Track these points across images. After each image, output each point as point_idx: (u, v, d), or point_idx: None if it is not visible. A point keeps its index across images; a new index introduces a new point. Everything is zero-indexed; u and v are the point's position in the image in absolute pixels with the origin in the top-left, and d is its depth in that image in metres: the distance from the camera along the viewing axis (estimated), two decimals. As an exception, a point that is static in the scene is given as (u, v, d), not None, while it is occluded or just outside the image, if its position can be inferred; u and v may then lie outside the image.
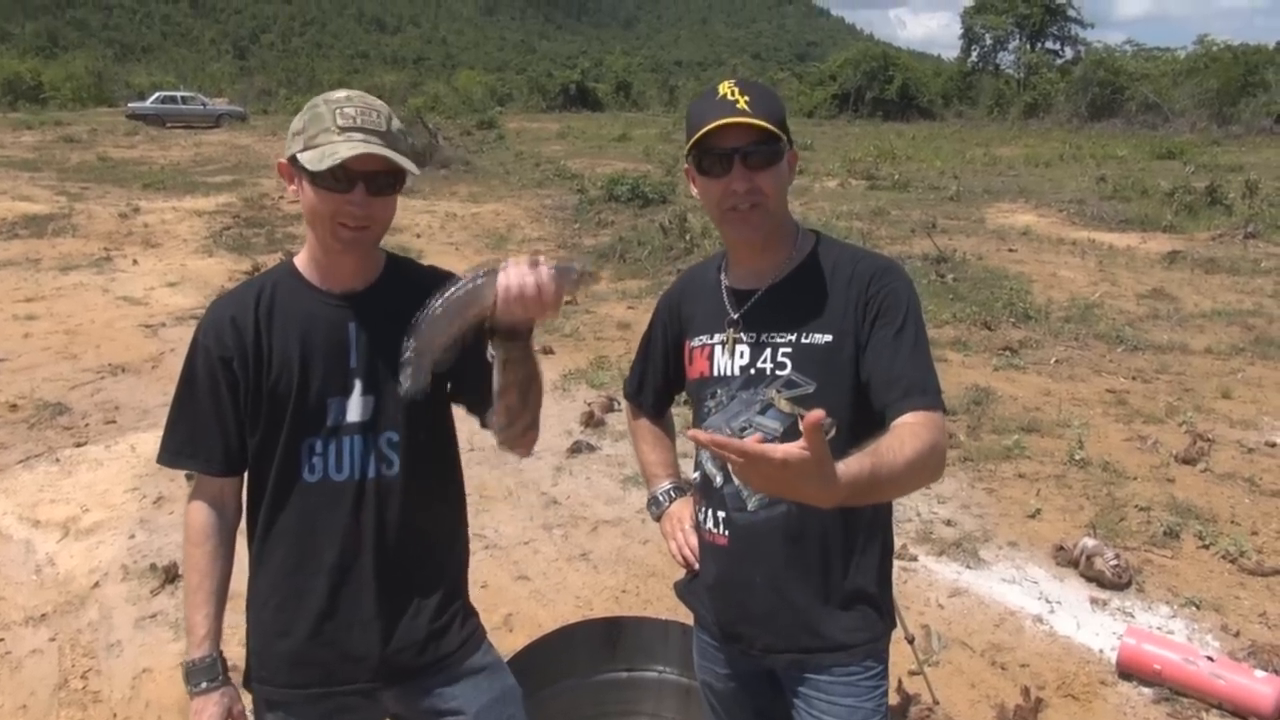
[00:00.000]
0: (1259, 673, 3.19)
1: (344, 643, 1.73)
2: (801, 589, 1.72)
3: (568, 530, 4.55)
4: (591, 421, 5.89)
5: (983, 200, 16.31)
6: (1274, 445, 5.47)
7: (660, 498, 2.06)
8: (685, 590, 1.96)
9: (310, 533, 1.71)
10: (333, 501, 1.70)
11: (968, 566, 4.16)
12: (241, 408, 1.69)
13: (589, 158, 24.11)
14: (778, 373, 1.68)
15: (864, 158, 23.12)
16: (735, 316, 1.75)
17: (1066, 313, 8.65)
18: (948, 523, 4.56)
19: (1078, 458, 5.26)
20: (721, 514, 1.76)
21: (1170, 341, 7.75)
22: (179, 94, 39.28)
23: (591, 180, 17.03)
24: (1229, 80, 37.66)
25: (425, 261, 1.92)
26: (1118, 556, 4.02)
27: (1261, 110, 35.65)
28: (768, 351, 1.69)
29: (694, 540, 1.91)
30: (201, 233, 12.97)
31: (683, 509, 1.99)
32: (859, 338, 1.64)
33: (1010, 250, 11.69)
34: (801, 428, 1.14)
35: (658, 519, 2.06)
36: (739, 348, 1.73)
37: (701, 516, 1.83)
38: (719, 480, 1.76)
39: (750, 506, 1.72)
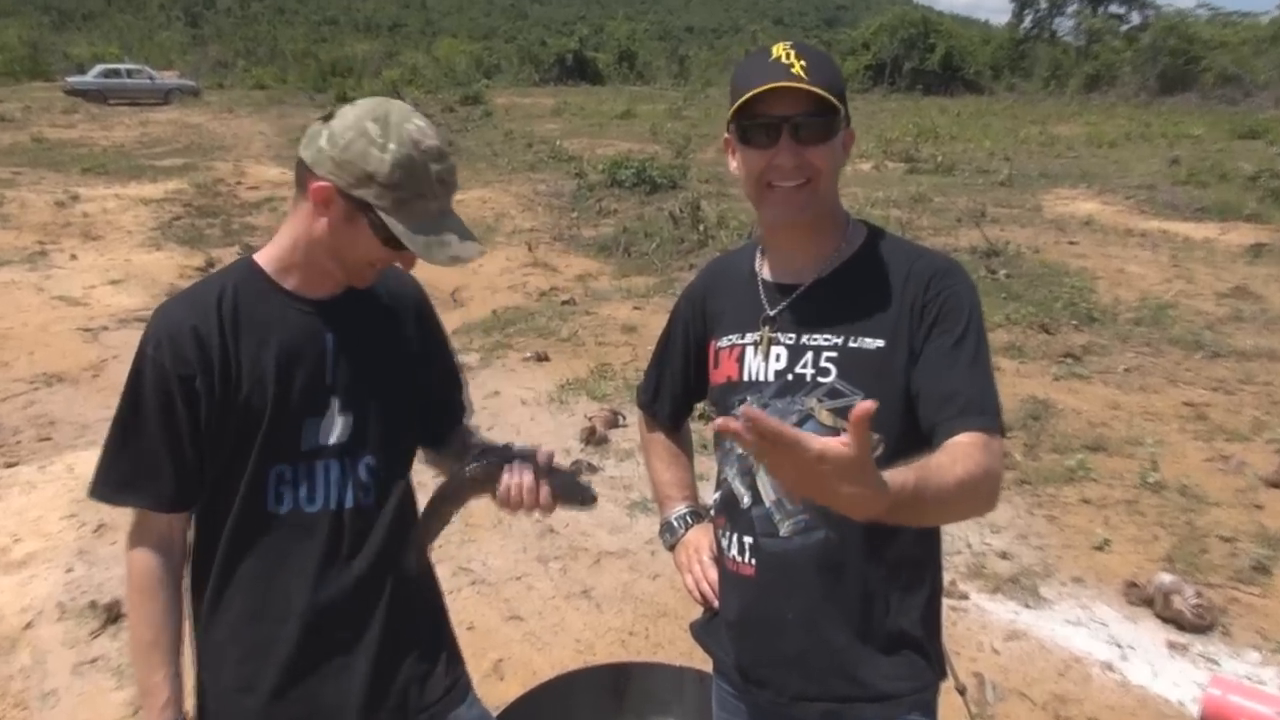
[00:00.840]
0: (1365, 729, 3.16)
1: (317, 697, 1.72)
2: (839, 628, 1.69)
3: (566, 563, 4.53)
4: (593, 438, 5.88)
5: (1039, 186, 16.30)
6: (1377, 466, 5.44)
7: (674, 523, 2.05)
8: (703, 631, 1.94)
9: (278, 573, 1.70)
10: (304, 537, 1.70)
11: (1026, 606, 4.13)
12: (202, 433, 1.66)
13: (588, 137, 24.16)
14: (819, 380, 1.66)
15: (902, 137, 23.16)
16: (772, 314, 1.73)
17: (1136, 314, 8.63)
18: (1003, 555, 4.53)
19: (1151, 480, 5.24)
20: (749, 540, 1.74)
21: (1256, 347, 7.72)
22: (123, 66, 39.44)
23: (591, 163, 17.07)
24: (1319, 49, 37.63)
25: None
26: (1199, 594, 3.99)
27: (1358, 83, 35.61)
28: (809, 355, 1.68)
29: (713, 573, 1.89)
30: (148, 223, 13.02)
31: (700, 537, 1.98)
32: (913, 345, 1.62)
33: (1071, 243, 11.68)
34: (848, 420, 1.13)
35: (671, 548, 2.05)
36: (775, 349, 1.71)
37: (724, 543, 1.81)
38: (746, 501, 1.74)
39: (783, 531, 1.70)
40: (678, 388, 2.02)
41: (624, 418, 6.20)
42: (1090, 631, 3.95)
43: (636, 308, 9.09)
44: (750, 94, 1.58)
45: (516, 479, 1.64)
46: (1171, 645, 3.85)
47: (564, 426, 6.16)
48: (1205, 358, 7.45)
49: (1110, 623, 4.01)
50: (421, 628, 1.86)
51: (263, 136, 24.74)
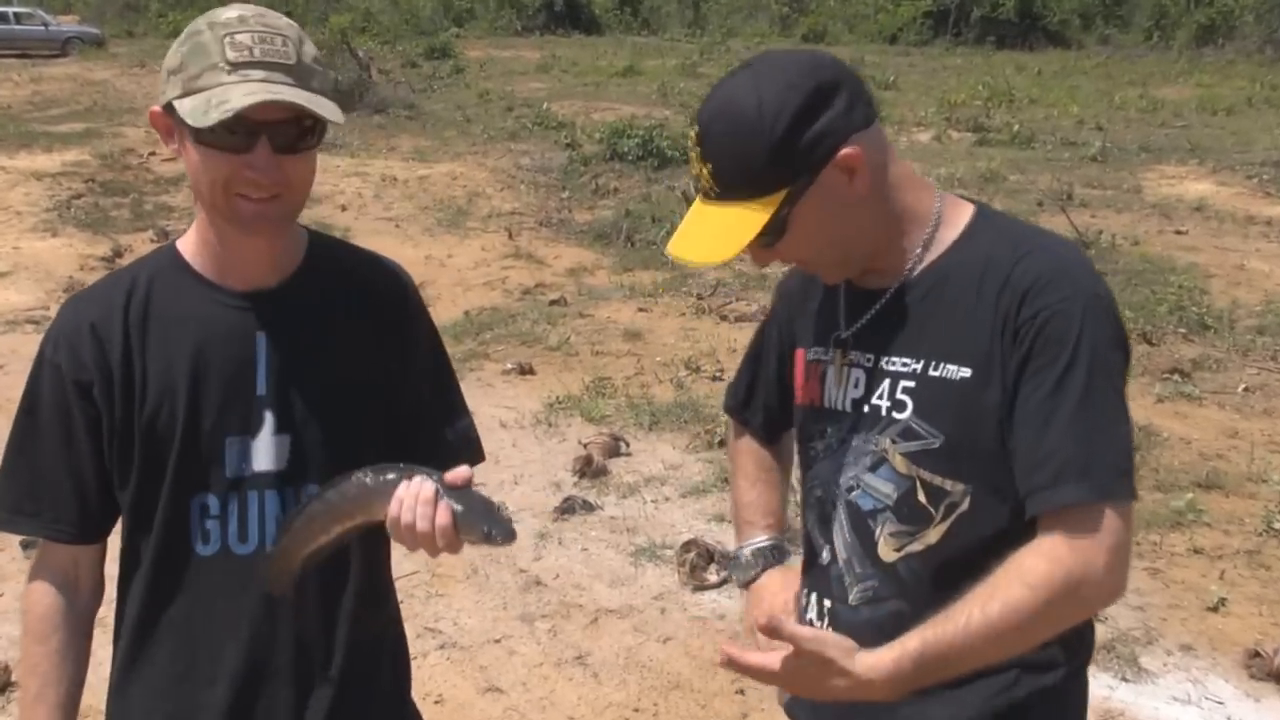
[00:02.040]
0: None
1: None
2: (938, 708, 1.64)
3: (556, 623, 4.56)
4: (589, 470, 5.90)
5: (1138, 162, 16.34)
6: None
7: (746, 558, 2.00)
8: (793, 705, 1.91)
9: (205, 627, 1.71)
10: (236, 583, 1.70)
11: (1124, 679, 4.16)
12: (105, 452, 1.68)
13: (582, 99, 24.20)
14: (894, 415, 1.63)
15: (969, 100, 23.19)
16: (845, 333, 1.72)
17: (1259, 320, 8.68)
18: (1097, 618, 4.54)
19: (1278, 526, 5.26)
20: (827, 602, 1.76)
21: (1407, 361, 7.75)
22: (11, 10, 39.56)
23: (586, 131, 17.17)
24: None
25: (352, 243, 1.93)
26: (1337, 666, 4.01)
27: None
28: (885, 384, 1.65)
29: (799, 632, 1.59)
30: (42, 203, 13.07)
31: (779, 584, 1.93)
32: (1005, 381, 1.55)
33: (1179, 232, 11.74)
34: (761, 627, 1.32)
35: (744, 586, 2.02)
36: (852, 372, 1.70)
37: (804, 600, 1.83)
38: (825, 556, 1.75)
39: (851, 599, 1.71)
40: (772, 398, 1.98)
41: (627, 444, 6.23)
42: (1203, 711, 3.97)
43: (642, 309, 9.14)
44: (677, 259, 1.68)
45: (414, 490, 1.56)
46: (1303, 729, 3.87)
47: (553, 454, 6.18)
48: (1344, 375, 7.48)
49: (1228, 701, 4.03)
50: (380, 696, 1.87)
51: (182, 96, 24.79)
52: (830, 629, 1.70)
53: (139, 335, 1.67)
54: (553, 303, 9.43)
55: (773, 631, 1.44)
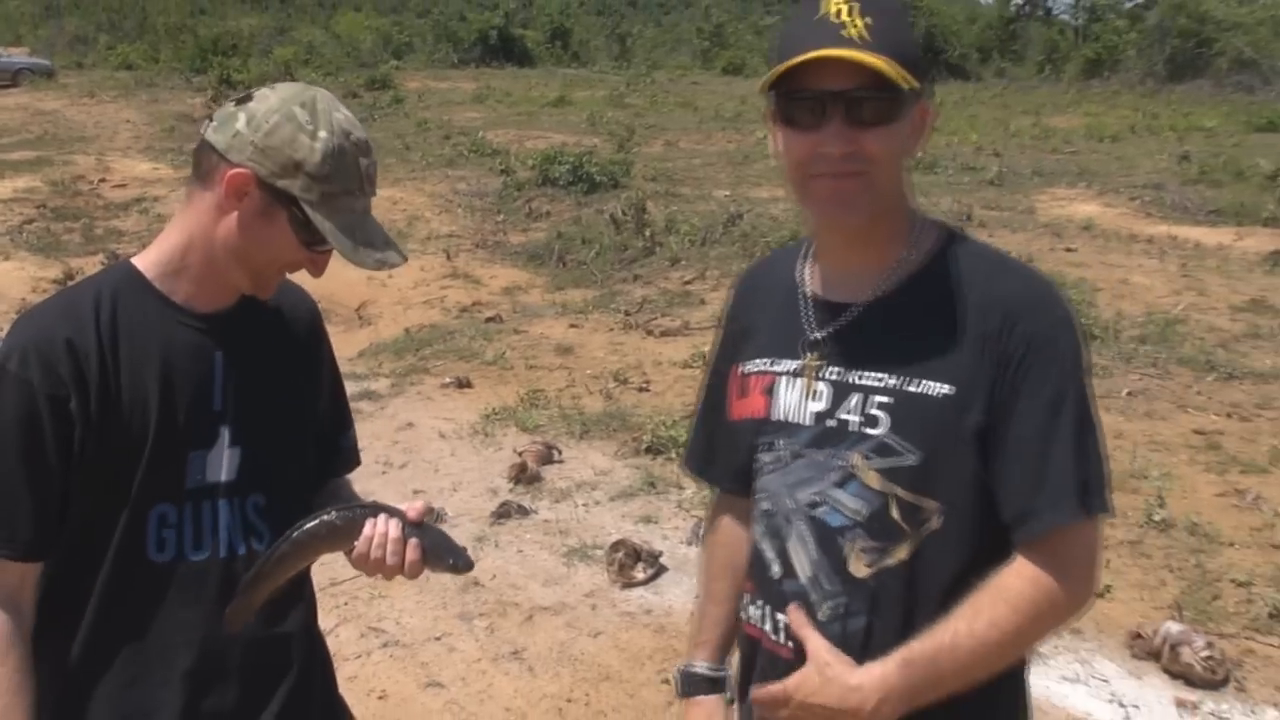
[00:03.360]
0: (1391, 792, 3.29)
1: None
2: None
3: (493, 621, 4.57)
4: (523, 476, 5.92)
5: (1032, 185, 16.63)
6: (1407, 500, 5.65)
7: (693, 675, 1.87)
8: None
9: (158, 631, 1.70)
10: (188, 589, 1.70)
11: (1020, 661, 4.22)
12: (73, 467, 1.63)
13: (516, 128, 24.16)
14: (866, 431, 1.54)
15: (878, 129, 23.45)
16: (819, 336, 1.63)
17: (1141, 331, 8.85)
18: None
19: (1158, 518, 5.38)
20: (782, 618, 1.64)
21: (1275, 368, 7.96)
22: (-39, 41, 38.79)
23: (519, 158, 17.13)
24: (1346, 31, 38.74)
25: None
26: (1210, 645, 4.12)
27: (1388, 70, 36.75)
28: (856, 398, 1.56)
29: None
30: (-7, 228, 12.82)
31: (711, 712, 1.83)
32: (990, 403, 1.51)
33: (1068, 250, 11.94)
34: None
35: (680, 695, 1.90)
36: (816, 385, 1.61)
37: (755, 612, 1.72)
38: (777, 570, 1.65)
39: (820, 616, 1.59)
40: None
41: (559, 452, 6.25)
42: (1090, 689, 4.06)
43: (573, 325, 9.15)
44: (787, 65, 1.45)
45: (381, 529, 1.62)
46: (1180, 703, 3.96)
47: (489, 463, 6.19)
48: (1218, 380, 7.66)
49: (1112, 679, 4.12)
50: (315, 693, 1.88)
51: (130, 125, 24.42)
52: (790, 645, 1.62)
53: (112, 350, 1.64)
54: (489, 320, 9.43)
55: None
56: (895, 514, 1.53)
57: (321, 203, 1.59)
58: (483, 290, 10.64)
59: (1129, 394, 7.33)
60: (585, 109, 28.25)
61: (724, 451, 1.82)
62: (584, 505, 5.69)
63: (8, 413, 1.61)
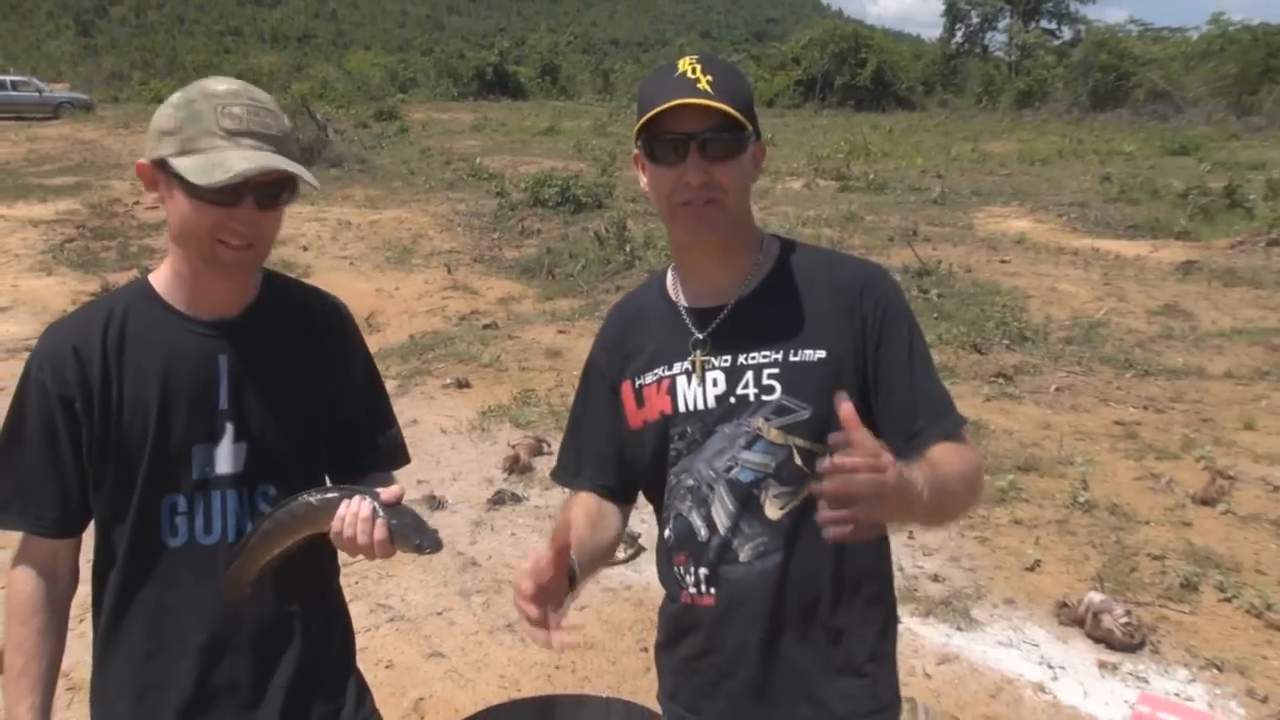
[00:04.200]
0: (1287, 741, 3.33)
1: None
2: (801, 651, 1.73)
3: (489, 597, 4.56)
4: (516, 467, 5.91)
5: (971, 203, 16.74)
6: (1302, 482, 5.70)
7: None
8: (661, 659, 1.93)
9: (174, 608, 1.71)
10: (201, 570, 1.70)
11: (958, 628, 4.26)
12: (85, 458, 1.67)
13: (510, 155, 24.18)
14: (764, 398, 1.69)
15: (833, 154, 23.58)
16: (702, 335, 1.75)
17: (1068, 333, 8.93)
18: (935, 578, 4.67)
19: (1082, 500, 5.43)
20: (705, 571, 1.75)
21: (1185, 365, 8.03)
22: (9, 78, 38.49)
23: (513, 181, 17.13)
24: (1248, 65, 39.07)
25: (313, 278, 1.94)
26: (1128, 613, 4.16)
27: (1285, 99, 37.09)
28: (749, 375, 1.70)
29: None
30: (38, 246, 12.74)
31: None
32: (859, 358, 1.70)
33: (1003, 261, 12.02)
34: (842, 421, 1.30)
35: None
36: (710, 374, 1.73)
37: (685, 579, 1.79)
38: (704, 533, 1.74)
39: (743, 557, 1.72)
40: (605, 449, 1.90)
41: (548, 445, 6.24)
42: (1021, 653, 4.09)
43: (561, 331, 9.14)
44: (655, 111, 1.61)
45: (353, 510, 1.59)
46: (1102, 664, 4.00)
47: (486, 455, 6.18)
48: (1136, 376, 7.74)
49: (1041, 643, 4.16)
50: (330, 664, 1.86)
51: (162, 153, 24.28)
52: (713, 591, 1.75)
53: (116, 357, 1.67)
54: (485, 327, 9.40)
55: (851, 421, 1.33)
56: (798, 460, 1.67)
57: (182, 154, 1.57)
58: (480, 300, 10.61)
59: (1057, 389, 7.39)
60: (572, 137, 28.29)
61: (593, 462, 1.92)
62: (571, 493, 5.66)
63: (30, 410, 1.68)
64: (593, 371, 1.94)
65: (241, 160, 1.54)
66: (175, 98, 1.64)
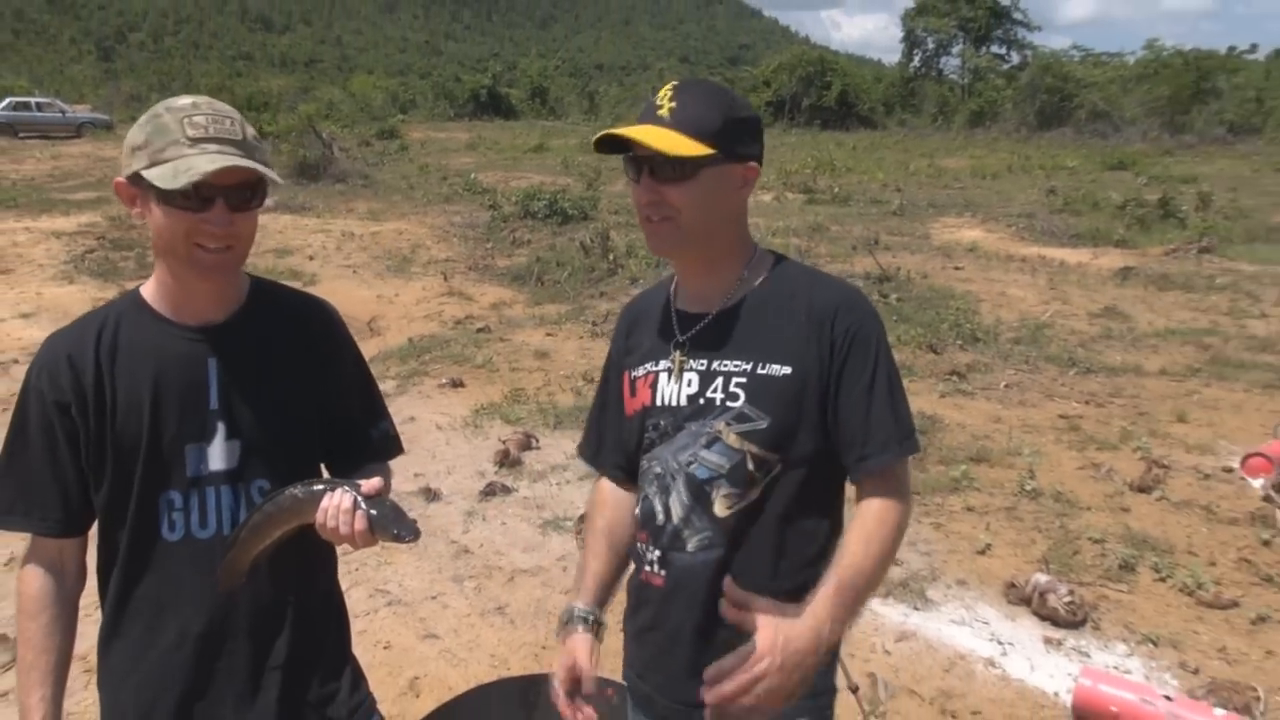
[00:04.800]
0: (1219, 711, 3.32)
1: None
2: (738, 639, 1.66)
3: (481, 582, 4.53)
4: (507, 461, 5.88)
5: (927, 215, 16.80)
6: (1231, 470, 5.73)
7: (575, 616, 1.88)
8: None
9: (173, 599, 1.68)
10: (198, 563, 1.67)
11: (915, 608, 4.26)
12: (83, 460, 1.65)
13: (502, 170, 24.14)
14: (729, 404, 1.69)
15: (801, 169, 23.64)
16: (682, 338, 1.77)
17: (1016, 334, 8.95)
18: (894, 561, 4.65)
19: (1029, 488, 5.44)
20: (658, 553, 1.78)
21: (1124, 363, 8.07)
22: (34, 100, 38.19)
23: (505, 195, 17.07)
24: (1180, 87, 39.50)
25: (318, 286, 1.92)
26: (1071, 593, 4.16)
27: (1214, 119, 37.54)
28: (719, 381, 1.71)
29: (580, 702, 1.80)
30: (61, 257, 12.60)
31: (588, 650, 1.84)
32: (823, 378, 1.67)
33: (957, 268, 12.06)
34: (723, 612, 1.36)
35: (559, 636, 1.90)
36: (687, 374, 1.74)
37: (641, 554, 1.83)
38: (661, 517, 1.76)
39: (690, 547, 1.73)
40: (620, 432, 1.92)
41: (537, 440, 6.22)
42: (973, 630, 4.09)
43: (549, 334, 9.11)
44: (604, 134, 1.64)
45: (335, 501, 1.58)
46: (1047, 640, 4.00)
47: (478, 450, 6.15)
48: (1078, 374, 7.76)
49: (991, 621, 4.16)
50: (326, 649, 1.84)
51: (177, 170, 24.13)
52: (663, 573, 1.77)
53: (109, 364, 1.65)
54: (479, 330, 9.35)
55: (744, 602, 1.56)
56: (750, 466, 1.68)
57: (151, 165, 1.55)
58: (474, 305, 10.56)
59: (1006, 386, 7.40)
60: (560, 154, 28.26)
61: (611, 443, 1.95)
62: (557, 484, 5.65)
63: (31, 417, 1.67)
64: (610, 361, 1.98)
65: (206, 163, 1.52)
66: (144, 116, 1.62)
